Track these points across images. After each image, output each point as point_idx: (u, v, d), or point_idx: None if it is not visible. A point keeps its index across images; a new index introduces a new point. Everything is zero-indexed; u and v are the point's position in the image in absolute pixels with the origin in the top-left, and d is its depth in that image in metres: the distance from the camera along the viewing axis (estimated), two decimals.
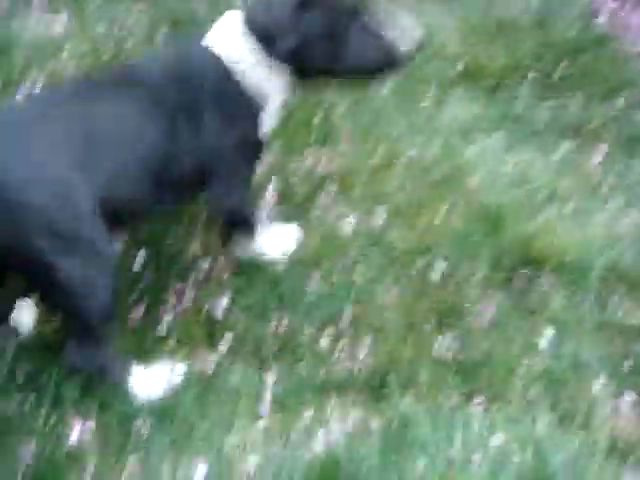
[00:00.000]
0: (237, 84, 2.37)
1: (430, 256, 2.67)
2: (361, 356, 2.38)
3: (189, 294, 2.53)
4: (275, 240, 2.65)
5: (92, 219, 2.09)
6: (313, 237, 2.71)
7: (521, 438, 2.18)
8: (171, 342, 2.41)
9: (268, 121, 2.47)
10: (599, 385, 2.34)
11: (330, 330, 2.46)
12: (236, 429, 2.21)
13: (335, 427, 2.20)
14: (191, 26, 3.62)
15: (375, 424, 2.22)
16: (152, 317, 2.45)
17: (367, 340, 2.42)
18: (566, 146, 3.18)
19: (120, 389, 2.25)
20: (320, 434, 2.18)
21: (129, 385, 2.26)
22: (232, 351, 2.40)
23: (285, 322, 2.48)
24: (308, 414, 2.23)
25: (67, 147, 2.09)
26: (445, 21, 3.73)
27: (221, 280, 2.58)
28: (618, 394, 2.34)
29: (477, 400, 2.28)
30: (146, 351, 2.36)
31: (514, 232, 2.73)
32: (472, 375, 2.34)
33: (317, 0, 2.35)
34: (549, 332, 2.47)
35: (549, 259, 2.66)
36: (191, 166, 2.34)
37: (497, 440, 2.17)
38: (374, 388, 2.31)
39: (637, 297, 2.60)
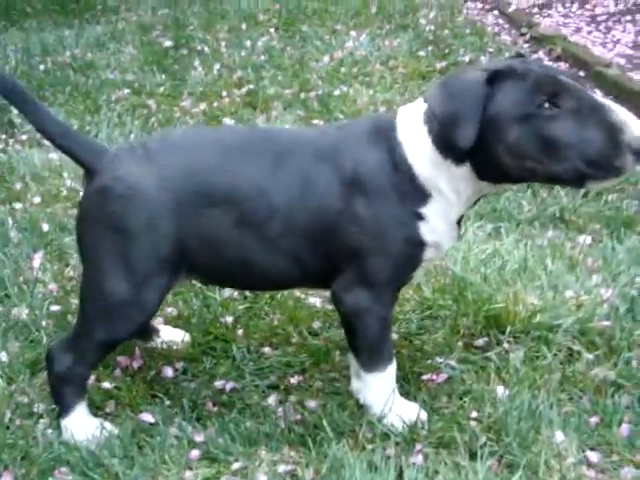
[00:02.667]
0: (407, 170, 2.05)
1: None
2: (300, 415, 2.28)
3: (141, 358, 2.51)
4: (393, 406, 2.23)
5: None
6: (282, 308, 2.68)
7: None
8: (117, 398, 2.38)
9: (438, 226, 2.08)
10: (559, 438, 2.16)
11: (276, 391, 2.38)
12: (161, 479, 2.09)
13: (262, 477, 2.07)
14: None
15: (306, 473, 2.08)
16: (102, 373, 2.44)
17: (312, 402, 2.32)
18: (551, 233, 3.12)
19: (44, 441, 2.19)
20: None
21: (64, 423, 2.22)
22: (172, 408, 2.33)
23: (232, 385, 2.40)
24: (237, 465, 2.11)
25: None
26: None
27: (175, 349, 2.54)
28: (581, 449, 2.15)
29: (418, 448, 2.13)
30: (92, 404, 2.32)
31: (478, 299, 2.63)
32: (416, 424, 2.20)
33: (515, 71, 1.94)
34: (505, 387, 2.31)
35: (512, 323, 2.55)
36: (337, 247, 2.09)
37: None
38: (308, 437, 2.18)
39: (608, 356, 2.45)
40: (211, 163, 2.10)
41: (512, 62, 2.02)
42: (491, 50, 5.14)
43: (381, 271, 2.09)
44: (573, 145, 1.89)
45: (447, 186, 2.05)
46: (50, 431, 2.25)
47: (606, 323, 2.57)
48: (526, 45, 5.77)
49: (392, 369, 2.23)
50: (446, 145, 1.99)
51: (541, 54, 5.52)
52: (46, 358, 2.24)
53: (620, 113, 1.89)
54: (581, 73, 5.12)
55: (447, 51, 5.13)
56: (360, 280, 2.11)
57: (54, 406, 2.27)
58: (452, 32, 5.50)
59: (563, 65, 5.31)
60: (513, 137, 1.92)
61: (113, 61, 5.05)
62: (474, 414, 2.24)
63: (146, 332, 2.55)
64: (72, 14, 6.34)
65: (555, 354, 2.46)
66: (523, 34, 5.92)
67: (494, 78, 1.94)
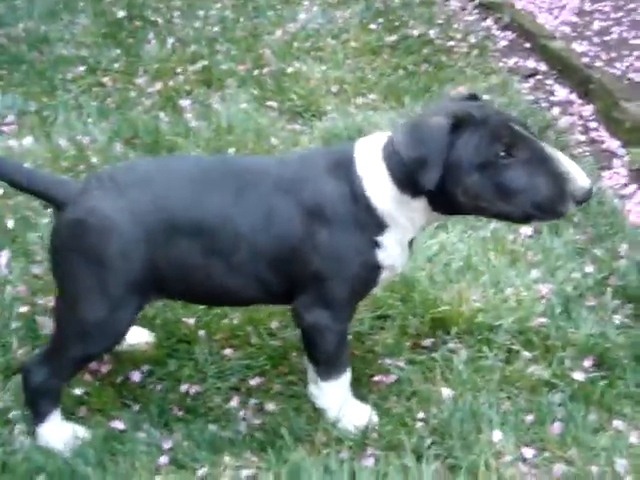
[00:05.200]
0: (366, 203, 2.22)
1: None
2: (260, 418, 2.46)
3: (109, 363, 2.66)
4: (347, 411, 2.42)
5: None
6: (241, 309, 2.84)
7: None
8: (88, 403, 2.54)
9: (393, 251, 2.27)
10: (497, 437, 2.36)
11: (237, 395, 2.56)
12: None
13: None
14: (148, 137, 3.87)
15: (267, 477, 2.26)
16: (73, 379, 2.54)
17: (271, 405, 2.50)
18: (494, 224, 3.29)
19: (22, 450, 2.34)
20: None
21: (39, 431, 2.38)
22: (141, 414, 2.49)
23: (196, 388, 2.56)
24: (202, 471, 2.29)
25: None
26: None
27: (141, 352, 2.69)
28: (517, 446, 2.36)
29: (369, 451, 2.32)
30: (64, 409, 2.45)
31: (425, 300, 2.81)
32: (365, 429, 2.39)
33: (476, 119, 2.12)
34: (449, 388, 2.51)
35: (457, 324, 2.73)
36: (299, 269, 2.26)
37: None
38: (268, 444, 2.36)
39: (544, 355, 2.65)
40: (178, 195, 2.25)
41: (470, 108, 2.18)
42: (440, 22, 5.26)
43: (340, 293, 2.27)
44: (524, 191, 2.10)
45: (403, 217, 2.23)
46: (25, 438, 2.40)
47: (543, 321, 2.77)
48: (475, 11, 5.87)
49: (347, 377, 2.42)
50: (409, 183, 2.16)
51: (489, 22, 5.64)
52: (22, 371, 2.39)
53: (567, 165, 2.10)
54: (527, 45, 5.26)
55: (397, 23, 5.23)
56: (320, 300, 2.28)
57: (28, 412, 2.42)
58: (402, 2, 5.58)
59: (510, 34, 5.43)
60: (471, 181, 2.11)
61: (67, 34, 5.07)
62: (421, 415, 2.44)
63: None
64: None
65: (496, 354, 2.65)
66: (472, 0, 6.01)
67: (456, 125, 2.10)
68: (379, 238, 2.24)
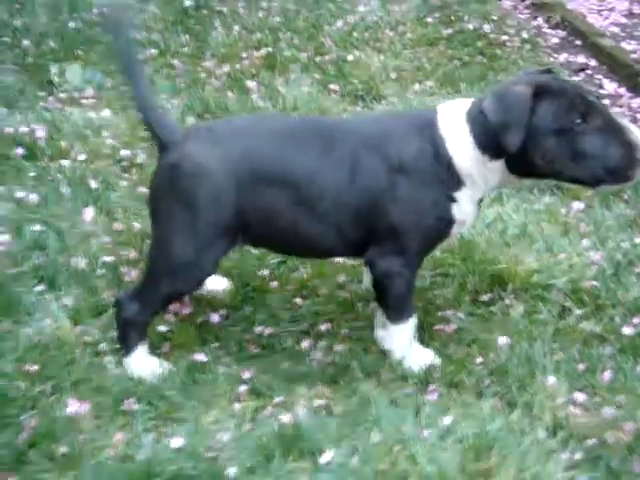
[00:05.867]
0: (447, 161, 2.42)
1: None
2: (331, 356, 2.67)
3: (190, 306, 2.88)
4: (411, 353, 2.62)
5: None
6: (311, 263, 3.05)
7: (468, 417, 2.40)
8: (171, 340, 2.76)
9: (466, 207, 2.48)
10: (551, 381, 2.54)
11: (308, 336, 2.77)
12: (214, 409, 2.47)
13: (300, 409, 2.45)
14: (219, 112, 4.10)
15: (338, 407, 2.47)
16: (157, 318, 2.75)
17: (340, 346, 2.71)
18: (548, 199, 3.48)
19: (114, 376, 2.57)
20: (286, 414, 2.44)
21: (127, 361, 2.60)
22: (220, 350, 2.70)
23: (269, 330, 2.78)
24: (279, 399, 2.50)
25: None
26: None
27: (219, 298, 2.91)
28: (570, 391, 2.54)
29: (431, 387, 2.52)
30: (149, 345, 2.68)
31: (483, 260, 3.01)
32: (429, 369, 2.59)
33: (555, 89, 2.35)
34: (506, 337, 2.70)
35: (513, 281, 2.93)
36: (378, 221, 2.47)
37: (447, 420, 2.39)
38: (339, 377, 2.57)
39: (594, 312, 2.84)
40: (268, 148, 2.47)
41: (548, 79, 2.42)
42: (494, 18, 5.45)
43: (413, 242, 2.50)
44: (597, 157, 2.34)
45: (480, 176, 2.45)
46: (115, 367, 2.62)
47: (594, 283, 2.95)
48: (526, 11, 6.04)
49: (413, 321, 2.63)
50: (491, 145, 2.39)
51: (540, 21, 5.80)
52: (115, 305, 2.62)
53: (636, 133, 2.33)
54: (577, 42, 5.43)
55: (453, 18, 5.43)
56: (394, 249, 2.50)
57: (117, 346, 2.65)
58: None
59: (561, 32, 5.60)
60: (548, 145, 2.34)
61: (138, 20, 5.31)
62: (480, 360, 2.63)
63: None
64: None
65: (549, 310, 2.84)
66: (523, 0, 6.18)
67: (537, 93, 2.33)
68: (455, 194, 2.46)
